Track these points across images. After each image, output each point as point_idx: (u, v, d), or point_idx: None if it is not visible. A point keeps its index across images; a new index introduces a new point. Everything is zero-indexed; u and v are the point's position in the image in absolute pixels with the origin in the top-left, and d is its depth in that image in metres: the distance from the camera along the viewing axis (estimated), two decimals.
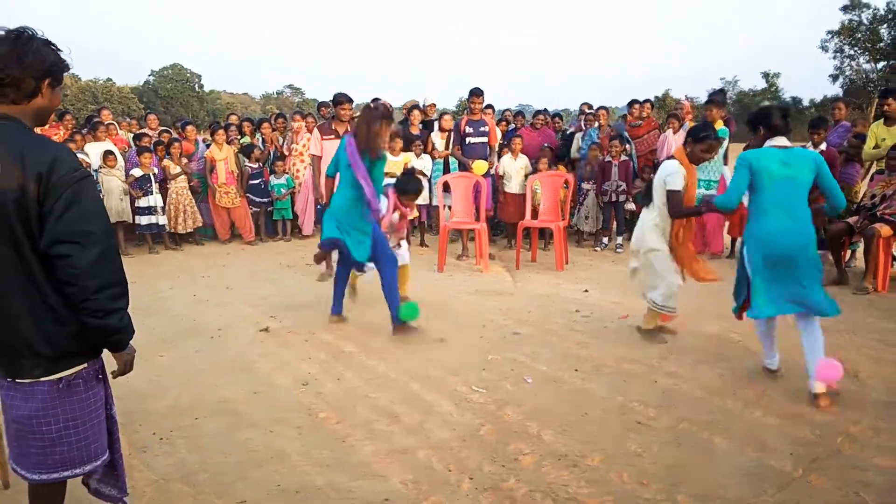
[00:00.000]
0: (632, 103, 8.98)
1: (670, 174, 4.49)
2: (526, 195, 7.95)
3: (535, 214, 7.85)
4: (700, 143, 4.49)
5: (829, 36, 39.15)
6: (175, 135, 9.56)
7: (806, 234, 3.81)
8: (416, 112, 9.05)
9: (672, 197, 4.48)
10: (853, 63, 39.32)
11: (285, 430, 3.44)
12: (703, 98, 8.83)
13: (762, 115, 3.95)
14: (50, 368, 2.09)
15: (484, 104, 8.25)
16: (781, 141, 3.84)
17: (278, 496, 2.82)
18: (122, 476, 2.43)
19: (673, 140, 8.21)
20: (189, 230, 8.88)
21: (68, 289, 2.00)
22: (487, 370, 4.25)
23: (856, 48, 38.73)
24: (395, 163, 8.13)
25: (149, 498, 2.80)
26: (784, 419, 3.48)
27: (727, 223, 7.63)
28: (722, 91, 8.91)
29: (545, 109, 10.27)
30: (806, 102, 41.22)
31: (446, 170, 8.54)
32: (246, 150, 9.12)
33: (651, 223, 4.69)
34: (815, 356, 3.73)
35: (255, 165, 9.12)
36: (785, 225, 3.76)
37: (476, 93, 8.01)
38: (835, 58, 39.74)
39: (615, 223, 8.47)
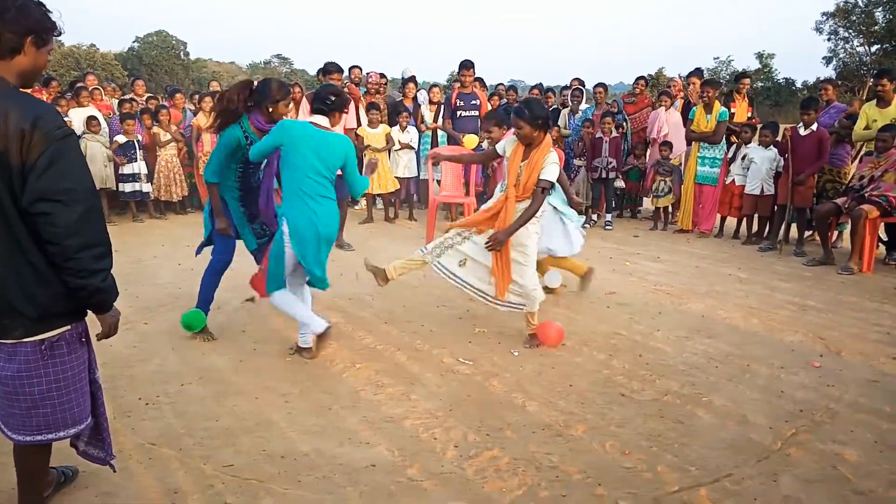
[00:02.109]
0: (638, 80, 8.93)
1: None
2: None
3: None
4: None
5: (824, 17, 39.04)
6: (163, 102, 9.43)
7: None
8: (410, 85, 8.98)
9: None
10: (847, 46, 39.30)
11: (272, 398, 3.45)
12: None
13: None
14: (32, 329, 2.07)
15: (474, 77, 8.17)
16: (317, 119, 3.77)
17: (265, 461, 2.83)
18: (108, 439, 2.44)
19: (664, 117, 8.19)
20: (178, 198, 8.79)
21: (50, 248, 1.98)
22: (474, 342, 4.26)
23: (850, 31, 38.64)
24: (374, 135, 8.07)
25: (135, 461, 2.80)
26: (766, 394, 3.53)
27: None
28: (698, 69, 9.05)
29: (539, 84, 10.21)
30: (799, 84, 41.19)
31: (434, 143, 8.48)
32: None
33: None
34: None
35: None
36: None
37: (466, 65, 7.92)
38: (829, 40, 39.66)
39: (605, 201, 8.46)
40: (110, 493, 2.59)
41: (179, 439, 3.00)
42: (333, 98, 3.83)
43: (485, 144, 8.16)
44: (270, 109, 4.02)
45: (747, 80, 8.22)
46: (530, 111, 3.94)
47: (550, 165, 3.99)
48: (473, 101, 7.99)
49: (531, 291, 4.12)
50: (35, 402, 2.15)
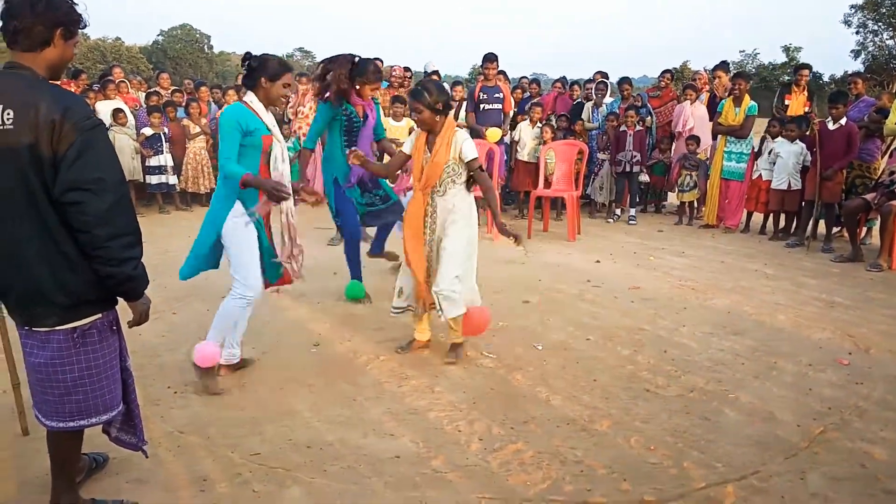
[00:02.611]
0: (663, 73, 8.85)
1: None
2: (539, 164, 7.89)
3: (547, 184, 7.80)
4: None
5: (853, 10, 38.29)
6: (189, 95, 9.51)
7: None
8: (434, 77, 8.98)
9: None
10: (876, 39, 38.50)
11: (296, 389, 3.48)
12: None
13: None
14: (64, 317, 2.11)
15: (498, 70, 8.13)
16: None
17: (291, 450, 2.86)
18: (140, 425, 2.48)
19: (690, 110, 8.11)
20: (206, 190, 8.89)
21: (81, 237, 2.01)
22: (497, 336, 4.26)
23: (880, 23, 37.85)
24: (398, 128, 8.07)
25: (164, 448, 2.85)
26: (793, 391, 3.49)
27: (745, 197, 7.60)
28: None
29: (563, 77, 10.14)
30: (826, 78, 40.47)
31: None
32: None
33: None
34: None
35: None
36: None
37: (490, 58, 7.87)
38: (857, 33, 38.90)
39: (629, 195, 8.39)
40: (140, 479, 2.63)
41: (207, 428, 3.05)
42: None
43: (506, 138, 8.16)
44: (358, 87, 4.44)
45: (806, 72, 7.96)
46: (429, 93, 3.60)
47: (465, 143, 3.65)
48: (497, 95, 7.95)
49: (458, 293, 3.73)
50: (68, 388, 2.19)
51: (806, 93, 7.84)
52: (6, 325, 2.80)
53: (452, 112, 8.04)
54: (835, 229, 7.09)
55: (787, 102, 7.78)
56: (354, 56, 4.50)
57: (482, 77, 8.18)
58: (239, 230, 3.41)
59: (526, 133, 8.20)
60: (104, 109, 8.17)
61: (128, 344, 2.43)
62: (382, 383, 3.57)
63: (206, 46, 62.41)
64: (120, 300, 2.24)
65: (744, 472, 2.74)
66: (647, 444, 2.95)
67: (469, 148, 3.66)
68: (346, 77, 4.39)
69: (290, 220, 3.73)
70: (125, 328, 2.33)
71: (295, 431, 3.03)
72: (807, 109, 7.71)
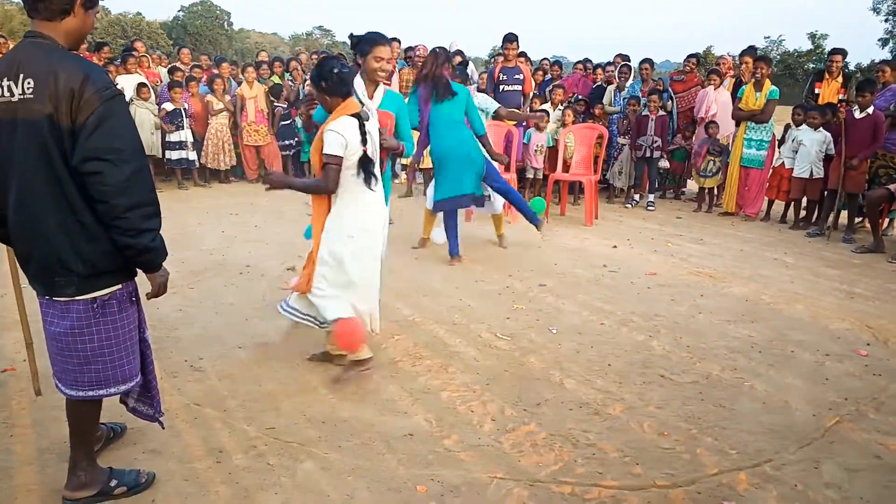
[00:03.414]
0: (689, 58, 8.71)
1: None
2: (558, 147, 7.83)
3: (566, 168, 7.75)
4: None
5: None
6: (207, 71, 9.52)
7: None
8: (457, 58, 8.91)
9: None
10: None
11: (312, 365, 3.51)
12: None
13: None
14: (83, 287, 2.13)
15: (518, 51, 8.05)
16: None
17: (306, 425, 2.89)
18: (157, 397, 2.51)
19: (713, 96, 7.99)
20: (227, 167, 8.93)
21: (99, 206, 2.02)
22: (512, 319, 4.26)
23: None
24: None
25: (180, 420, 2.89)
26: (809, 381, 3.46)
27: (766, 185, 7.50)
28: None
29: (587, 59, 10.03)
30: (852, 66, 39.71)
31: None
32: (274, 91, 9.07)
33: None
34: None
35: (284, 105, 9.07)
36: None
37: (510, 38, 7.79)
38: (886, 20, 38.09)
39: (648, 180, 8.30)
40: (156, 450, 2.67)
41: (223, 401, 3.08)
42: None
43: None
44: None
45: (839, 57, 7.44)
46: (317, 75, 3.14)
47: (328, 134, 3.10)
48: (517, 76, 7.88)
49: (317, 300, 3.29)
50: (87, 358, 2.22)
51: (841, 79, 7.43)
52: (21, 288, 2.82)
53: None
54: (857, 220, 6.99)
55: (817, 91, 7.58)
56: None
57: (502, 58, 8.11)
58: None
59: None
60: (127, 83, 8.20)
61: (146, 316, 2.46)
62: (397, 362, 3.58)
63: (225, 23, 62.39)
64: (139, 272, 2.26)
65: (757, 459, 2.73)
66: (660, 430, 2.94)
67: (330, 140, 3.11)
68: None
69: None
70: (143, 300, 2.35)
71: (310, 407, 3.06)
72: (841, 97, 7.33)
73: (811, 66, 38.85)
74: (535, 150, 7.92)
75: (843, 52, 7.54)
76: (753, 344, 3.95)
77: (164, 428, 2.61)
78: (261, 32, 71.25)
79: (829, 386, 3.42)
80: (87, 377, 2.25)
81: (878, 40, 38.48)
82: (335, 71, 3.11)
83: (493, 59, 9.12)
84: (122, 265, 2.18)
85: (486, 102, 6.21)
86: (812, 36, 42.09)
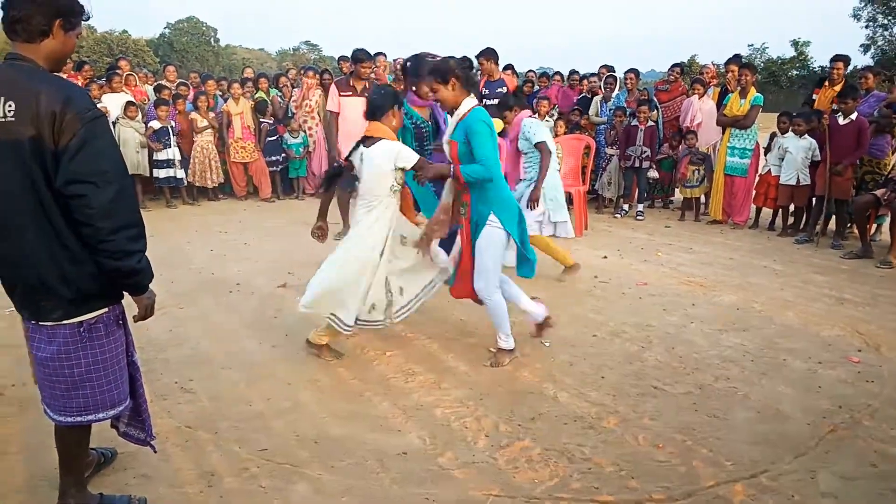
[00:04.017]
0: (673, 67, 8.77)
1: None
2: None
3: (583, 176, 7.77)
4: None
5: (862, 4, 37.99)
6: (195, 88, 9.51)
7: None
8: None
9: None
10: (886, 33, 38.21)
11: (304, 384, 3.48)
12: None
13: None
14: (70, 311, 2.10)
15: (492, 65, 8.09)
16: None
17: (298, 445, 2.86)
18: (148, 420, 2.48)
19: (698, 105, 8.05)
20: (213, 185, 8.89)
21: (84, 229, 2.00)
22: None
23: (889, 17, 37.55)
24: None
25: (171, 443, 2.85)
26: (802, 389, 3.47)
27: (754, 193, 7.55)
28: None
29: (574, 70, 10.11)
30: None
31: None
32: (260, 107, 9.06)
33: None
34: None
35: (270, 121, 9.06)
36: None
37: (483, 54, 7.71)
38: (867, 27, 38.62)
39: (637, 190, 8.34)
40: (148, 474, 2.64)
41: (214, 423, 3.05)
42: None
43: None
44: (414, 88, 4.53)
45: (840, 64, 7.25)
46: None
47: (540, 126, 4.08)
48: (499, 90, 7.93)
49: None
50: (75, 383, 2.19)
51: (839, 87, 7.15)
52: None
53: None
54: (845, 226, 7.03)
55: (814, 97, 7.61)
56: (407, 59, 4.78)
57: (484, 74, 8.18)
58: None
59: None
60: (113, 102, 8.17)
61: (134, 339, 2.43)
62: (389, 378, 3.56)
63: (212, 39, 62.48)
64: (126, 294, 2.23)
65: (753, 470, 2.72)
66: (654, 442, 2.93)
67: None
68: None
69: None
70: (131, 323, 2.32)
71: (302, 426, 3.03)
72: (834, 106, 7.00)
73: (795, 72, 39.32)
74: None
75: (846, 59, 7.37)
76: (746, 352, 3.95)
77: (155, 452, 2.58)
78: (248, 48, 71.37)
79: (822, 394, 3.42)
80: (75, 402, 2.21)
81: (860, 46, 39.02)
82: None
83: (476, 74, 9.14)
84: (109, 288, 2.16)
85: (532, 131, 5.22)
86: (795, 43, 42.57)
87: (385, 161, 3.47)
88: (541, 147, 5.12)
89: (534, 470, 2.71)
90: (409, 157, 3.50)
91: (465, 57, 3.76)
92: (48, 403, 2.26)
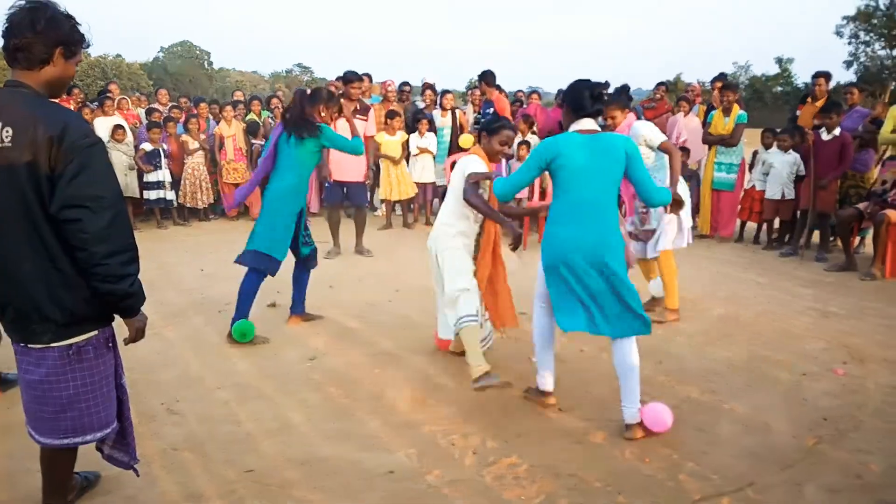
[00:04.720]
0: (658, 85, 8.89)
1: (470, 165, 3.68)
2: None
3: (542, 196, 7.82)
4: (495, 134, 3.77)
5: (845, 21, 38.59)
6: (186, 112, 9.56)
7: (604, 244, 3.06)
8: (428, 92, 9.11)
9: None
10: (868, 49, 38.77)
11: (292, 403, 3.48)
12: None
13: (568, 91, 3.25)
14: (60, 334, 2.12)
15: (488, 84, 8.28)
16: (588, 124, 3.15)
17: (286, 466, 2.86)
18: (133, 444, 2.48)
19: (683, 122, 8.15)
20: (204, 206, 8.91)
21: (79, 254, 2.02)
22: (492, 348, 4.25)
23: (871, 34, 38.13)
24: (392, 142, 8.14)
25: (157, 466, 2.84)
26: (788, 402, 3.49)
27: (739, 207, 7.62)
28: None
29: (561, 90, 10.20)
30: None
31: (452, 150, 8.52)
32: (252, 128, 9.11)
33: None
34: (629, 387, 3.14)
35: (261, 142, 9.11)
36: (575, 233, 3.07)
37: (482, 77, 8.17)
38: (850, 43, 39.17)
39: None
40: (133, 497, 2.62)
41: (202, 444, 3.04)
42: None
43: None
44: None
45: (822, 80, 7.39)
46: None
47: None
48: (489, 110, 8.06)
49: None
50: (63, 406, 2.19)
51: (821, 103, 7.22)
52: None
53: (453, 119, 8.24)
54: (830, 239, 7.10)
55: (798, 114, 7.71)
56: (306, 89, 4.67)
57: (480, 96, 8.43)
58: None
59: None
60: (103, 126, 8.20)
61: (122, 360, 2.43)
62: (377, 397, 3.56)
63: (205, 63, 62.78)
64: (116, 317, 2.25)
65: (739, 483, 2.73)
66: (641, 457, 2.94)
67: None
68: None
69: None
70: (121, 345, 2.33)
71: (290, 447, 3.02)
72: (816, 122, 7.08)
73: (779, 89, 39.77)
74: None
75: (828, 76, 7.49)
76: (731, 365, 3.98)
77: (139, 475, 2.57)
78: (241, 71, 71.64)
79: (808, 406, 3.45)
80: (63, 425, 2.22)
81: (843, 62, 39.55)
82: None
83: (469, 92, 9.29)
84: (100, 311, 2.18)
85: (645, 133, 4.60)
86: (779, 60, 43.15)
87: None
88: (665, 147, 4.49)
89: (521, 486, 2.72)
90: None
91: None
92: (34, 426, 2.25)
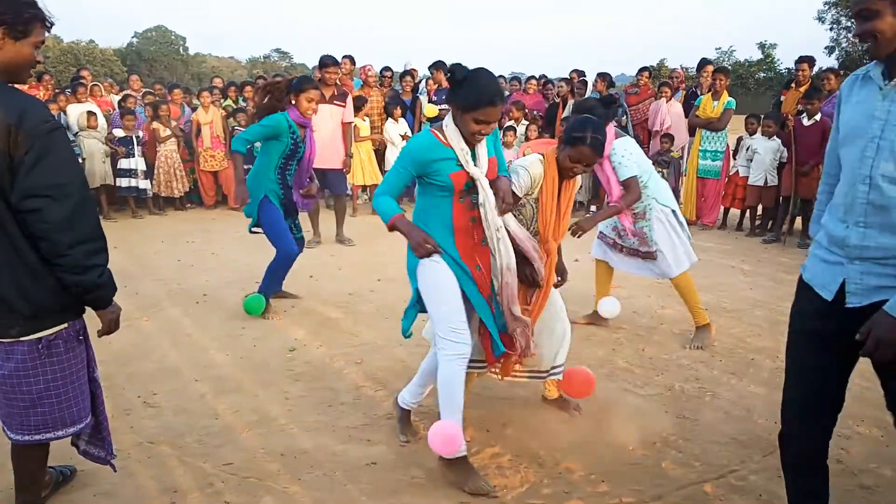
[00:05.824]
0: (641, 70, 8.86)
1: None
2: None
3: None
4: (573, 147, 3.01)
5: (826, 7, 38.83)
6: (160, 97, 9.38)
7: None
8: (408, 78, 9.05)
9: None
10: (849, 35, 39.03)
11: (272, 395, 3.42)
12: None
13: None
14: (29, 328, 2.05)
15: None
16: None
17: (265, 459, 2.81)
18: (108, 438, 2.42)
19: (666, 108, 8.14)
20: (179, 194, 8.75)
21: (42, 244, 1.95)
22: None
23: (853, 20, 38.31)
24: (364, 126, 8.18)
25: (134, 460, 2.78)
26: (770, 388, 3.50)
27: (723, 193, 7.65)
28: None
29: (543, 76, 10.14)
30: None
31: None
32: (235, 114, 8.95)
33: None
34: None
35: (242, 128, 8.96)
36: None
37: (436, 66, 8.56)
38: (831, 29, 39.45)
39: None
40: (109, 492, 2.56)
41: (179, 437, 2.98)
42: None
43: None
44: (294, 102, 4.43)
45: (804, 65, 7.29)
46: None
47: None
48: (442, 97, 8.11)
49: None
50: (33, 401, 2.13)
51: (804, 88, 7.18)
52: None
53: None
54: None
55: (781, 99, 7.73)
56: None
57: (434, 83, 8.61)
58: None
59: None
60: (76, 112, 8.03)
61: (97, 352, 2.37)
62: (359, 388, 3.52)
63: (181, 48, 61.78)
64: (88, 309, 2.18)
65: (722, 470, 2.74)
66: (625, 445, 2.93)
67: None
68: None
69: (503, 278, 2.67)
70: (94, 337, 2.26)
71: (270, 439, 2.97)
72: (800, 107, 7.06)
73: (762, 75, 39.98)
74: None
75: (811, 61, 7.43)
76: (714, 353, 3.99)
77: (115, 470, 2.51)
78: (217, 56, 70.62)
79: None
80: (33, 420, 2.15)
81: (825, 48, 39.82)
82: None
83: (426, 81, 9.28)
84: (70, 303, 2.11)
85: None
86: (761, 46, 43.32)
87: None
88: (627, 183, 3.93)
89: (504, 476, 2.70)
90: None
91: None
92: (5, 421, 2.19)
